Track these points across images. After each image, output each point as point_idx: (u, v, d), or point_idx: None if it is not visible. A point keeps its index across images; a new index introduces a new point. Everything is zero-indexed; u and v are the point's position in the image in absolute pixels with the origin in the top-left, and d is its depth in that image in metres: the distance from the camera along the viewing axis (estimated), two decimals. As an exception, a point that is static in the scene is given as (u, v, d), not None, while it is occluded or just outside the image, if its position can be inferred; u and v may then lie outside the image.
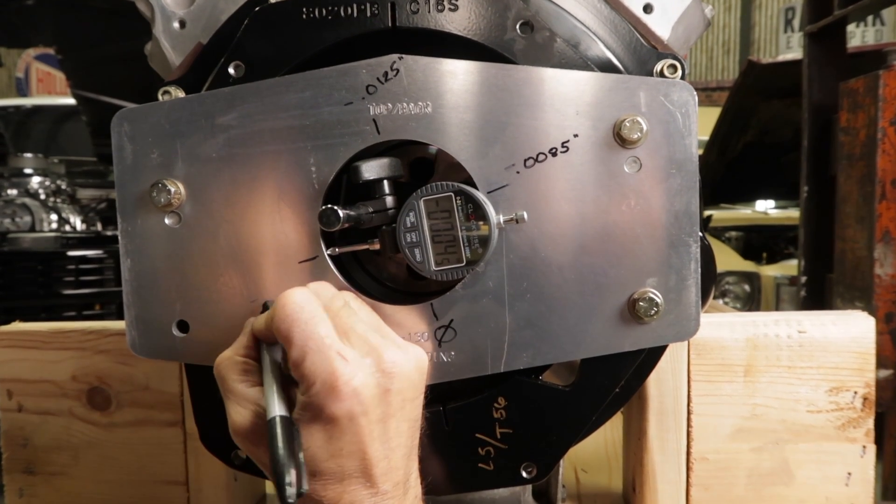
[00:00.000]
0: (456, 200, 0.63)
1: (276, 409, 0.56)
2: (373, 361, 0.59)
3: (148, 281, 0.69)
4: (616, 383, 0.70)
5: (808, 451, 0.83)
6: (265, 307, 0.65)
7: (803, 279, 2.64)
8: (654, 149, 0.65)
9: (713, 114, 4.29)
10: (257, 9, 0.69)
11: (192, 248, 0.68)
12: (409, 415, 0.61)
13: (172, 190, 0.67)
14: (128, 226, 0.69)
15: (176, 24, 0.78)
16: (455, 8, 0.66)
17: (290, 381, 0.59)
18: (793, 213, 4.26)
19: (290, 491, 0.52)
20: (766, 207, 4.81)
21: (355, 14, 0.67)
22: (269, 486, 1.03)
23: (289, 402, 0.58)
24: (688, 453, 0.84)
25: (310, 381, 0.56)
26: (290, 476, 0.53)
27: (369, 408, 0.57)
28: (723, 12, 11.43)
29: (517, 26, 0.66)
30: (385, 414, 0.59)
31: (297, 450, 0.55)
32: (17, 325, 0.95)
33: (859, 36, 9.85)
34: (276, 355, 0.61)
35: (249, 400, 0.59)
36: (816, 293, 2.59)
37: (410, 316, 0.67)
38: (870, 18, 9.81)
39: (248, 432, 0.59)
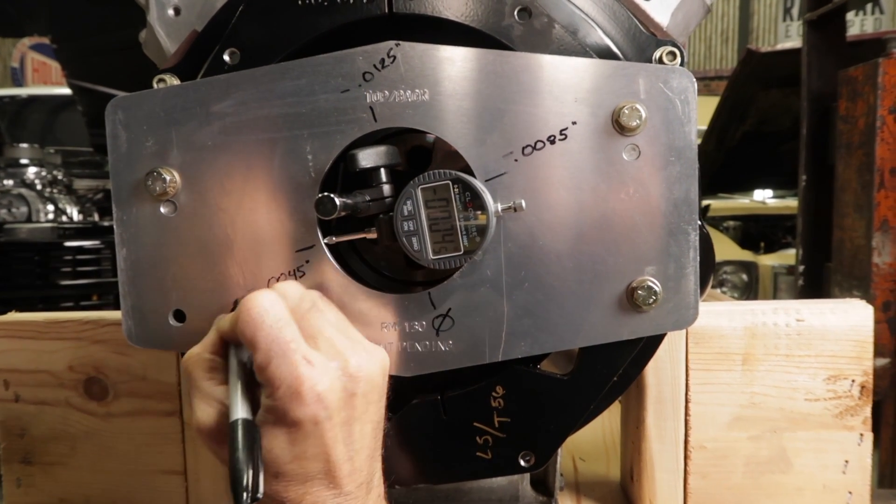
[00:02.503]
0: (453, 188, 0.62)
1: (240, 411, 0.56)
2: (339, 365, 0.59)
3: (144, 270, 0.69)
4: (614, 372, 0.70)
5: (805, 440, 0.83)
6: (235, 305, 0.64)
7: (801, 268, 2.64)
8: (654, 136, 0.64)
9: (711, 103, 4.27)
10: (253, -6, 0.68)
11: (188, 237, 0.68)
12: (373, 417, 0.61)
13: (168, 178, 0.66)
14: (123, 215, 0.68)
15: (171, 12, 0.77)
16: (452, -7, 0.66)
17: (256, 381, 0.59)
18: (791, 203, 4.27)
19: (246, 496, 0.53)
20: (763, 197, 4.81)
21: (351, 0, 0.66)
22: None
23: (254, 402, 0.58)
24: (686, 442, 0.84)
25: (274, 385, 0.56)
26: (247, 481, 0.53)
27: (334, 412, 0.57)
28: (721, 1, 11.37)
29: (515, 12, 0.65)
30: (350, 417, 0.59)
31: (257, 455, 0.55)
32: (14, 315, 0.95)
33: (858, 25, 9.82)
34: (242, 355, 0.60)
35: (215, 398, 0.59)
36: (814, 282, 2.60)
37: (408, 305, 0.67)
38: (868, 7, 9.78)
39: (212, 431, 0.58)
